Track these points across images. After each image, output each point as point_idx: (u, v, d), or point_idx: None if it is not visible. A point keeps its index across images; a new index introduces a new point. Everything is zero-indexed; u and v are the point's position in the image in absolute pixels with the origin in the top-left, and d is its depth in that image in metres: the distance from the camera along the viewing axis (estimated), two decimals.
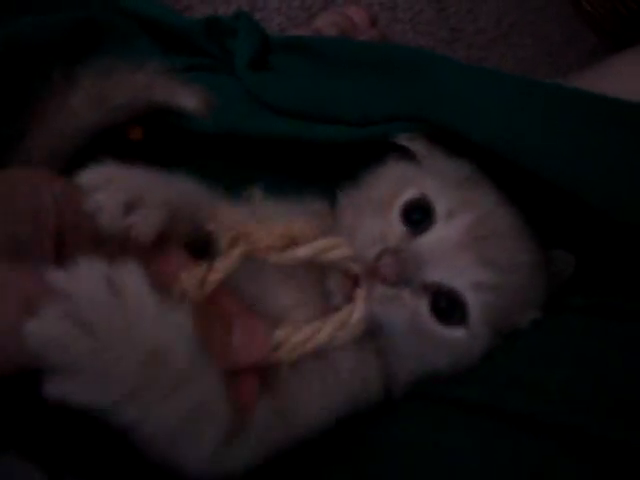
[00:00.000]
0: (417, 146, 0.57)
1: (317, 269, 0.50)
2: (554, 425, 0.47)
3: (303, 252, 0.48)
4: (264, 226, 0.48)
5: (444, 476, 0.47)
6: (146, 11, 0.77)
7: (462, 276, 0.49)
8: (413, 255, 0.48)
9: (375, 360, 0.51)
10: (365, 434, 0.51)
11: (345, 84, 0.68)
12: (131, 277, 0.37)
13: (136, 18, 0.76)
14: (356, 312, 0.48)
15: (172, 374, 0.37)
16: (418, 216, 0.51)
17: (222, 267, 0.45)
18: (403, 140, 0.58)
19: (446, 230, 0.49)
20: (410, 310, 0.49)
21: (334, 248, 0.49)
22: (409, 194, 0.52)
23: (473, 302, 0.49)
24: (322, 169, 0.64)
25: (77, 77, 0.64)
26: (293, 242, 0.48)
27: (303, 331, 0.46)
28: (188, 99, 0.66)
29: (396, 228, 0.51)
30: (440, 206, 0.51)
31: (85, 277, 0.36)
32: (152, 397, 0.37)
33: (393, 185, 0.54)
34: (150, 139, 0.67)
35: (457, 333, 0.50)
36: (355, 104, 0.65)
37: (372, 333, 0.50)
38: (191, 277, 0.43)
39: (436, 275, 0.49)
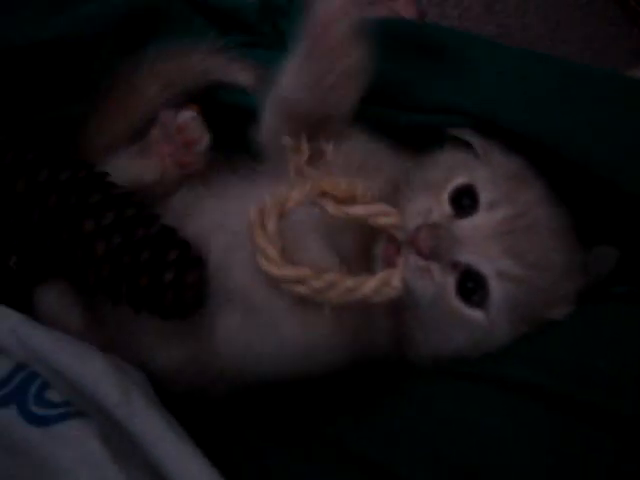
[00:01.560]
0: (475, 140, 0.59)
1: (366, 233, 0.54)
2: (593, 408, 0.48)
3: (357, 210, 0.52)
4: (331, 177, 0.52)
5: (482, 452, 0.49)
6: None
7: (490, 263, 0.51)
8: (450, 234, 0.51)
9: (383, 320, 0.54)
10: (401, 409, 0.54)
11: (407, 71, 0.68)
12: None
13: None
14: (396, 276, 0.51)
15: None
16: (466, 202, 0.54)
17: (296, 196, 0.51)
18: (465, 134, 0.60)
19: (485, 219, 0.52)
20: (437, 284, 0.52)
21: (385, 215, 0.53)
22: (460, 180, 0.55)
23: (496, 289, 0.51)
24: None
25: (142, 63, 0.68)
26: (353, 200, 0.52)
27: (353, 279, 0.50)
28: (242, 75, 0.70)
29: (443, 207, 0.54)
30: (484, 196, 0.53)
31: None
32: None
33: (447, 170, 0.56)
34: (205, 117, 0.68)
35: (476, 314, 0.52)
36: (414, 92, 0.66)
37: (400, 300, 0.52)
38: (272, 201, 0.50)
39: (467, 257, 0.51)
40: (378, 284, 0.50)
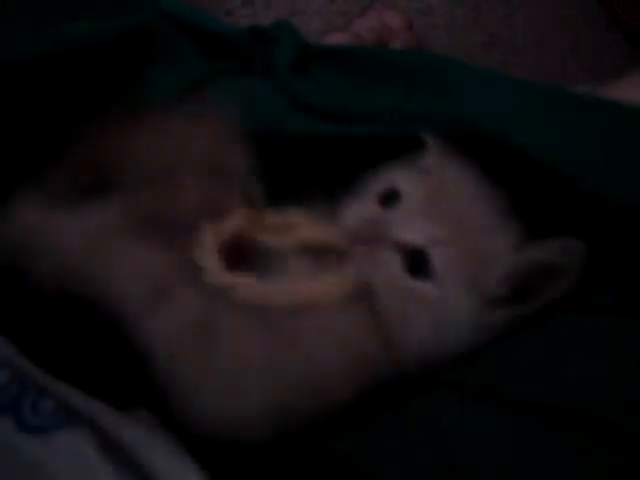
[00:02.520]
0: (431, 145, 0.64)
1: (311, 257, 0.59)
2: (578, 417, 0.50)
3: (295, 235, 0.58)
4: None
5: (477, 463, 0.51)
6: (188, 17, 0.79)
7: (422, 233, 0.56)
8: (383, 221, 0.57)
9: (367, 317, 0.56)
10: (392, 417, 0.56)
11: (380, 91, 0.72)
12: None
13: (176, 23, 0.78)
14: (346, 273, 0.56)
15: None
16: (392, 201, 0.59)
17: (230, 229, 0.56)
18: (426, 137, 0.64)
19: (410, 199, 0.58)
20: (385, 269, 0.56)
21: (323, 233, 0.59)
22: (380, 186, 0.61)
23: (434, 256, 0.55)
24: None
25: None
26: (291, 228, 0.58)
27: (300, 281, 0.55)
28: None
29: (372, 208, 0.60)
30: (406, 187, 0.59)
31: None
32: None
33: (376, 180, 0.62)
34: None
35: (426, 287, 0.56)
36: (389, 110, 0.71)
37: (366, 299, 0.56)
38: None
39: (402, 235, 0.56)
40: (330, 282, 0.55)
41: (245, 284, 0.53)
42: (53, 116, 0.63)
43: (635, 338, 0.55)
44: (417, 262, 0.56)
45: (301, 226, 0.59)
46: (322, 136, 0.70)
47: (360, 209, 0.60)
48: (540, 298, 0.56)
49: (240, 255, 0.57)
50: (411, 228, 0.56)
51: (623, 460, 0.49)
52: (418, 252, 0.56)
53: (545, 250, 0.55)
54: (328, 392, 0.54)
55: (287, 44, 0.77)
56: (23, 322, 0.54)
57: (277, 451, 0.55)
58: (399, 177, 0.60)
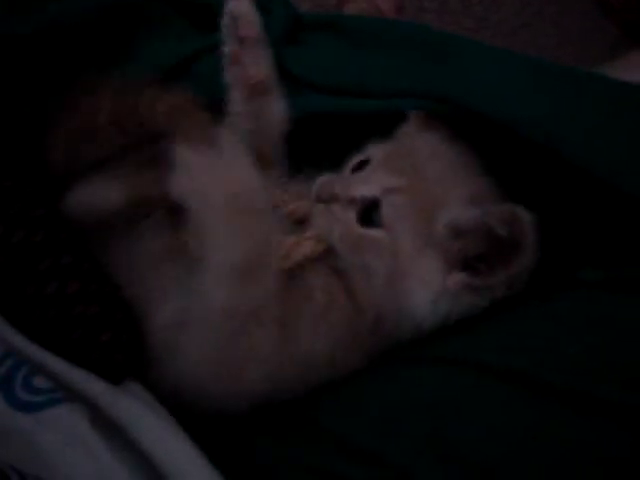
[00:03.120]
0: (415, 119, 0.65)
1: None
2: (572, 394, 0.50)
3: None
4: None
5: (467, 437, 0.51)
6: None
7: (376, 185, 0.58)
8: (343, 180, 0.61)
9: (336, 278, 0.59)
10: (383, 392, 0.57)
11: (373, 61, 0.71)
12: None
13: None
14: (308, 231, 0.60)
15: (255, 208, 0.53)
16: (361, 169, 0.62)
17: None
18: (411, 113, 0.66)
19: (372, 163, 0.61)
20: (342, 222, 0.59)
21: (302, 207, 0.62)
22: (355, 160, 0.64)
23: (385, 204, 0.58)
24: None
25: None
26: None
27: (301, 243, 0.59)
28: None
29: (339, 175, 0.64)
30: (373, 154, 0.62)
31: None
32: (238, 219, 0.52)
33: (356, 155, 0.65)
34: None
35: (378, 233, 0.58)
36: (381, 80, 0.69)
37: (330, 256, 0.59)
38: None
39: (358, 190, 0.59)
40: (293, 240, 0.58)
41: None
42: (43, 88, 0.62)
43: (626, 315, 0.54)
44: (370, 211, 0.58)
45: (284, 203, 0.62)
46: (316, 111, 0.69)
47: (328, 176, 0.63)
48: (498, 270, 0.54)
49: None
50: (366, 183, 0.59)
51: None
52: (371, 203, 0.58)
53: (492, 214, 0.53)
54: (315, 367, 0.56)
55: (279, 14, 0.75)
56: (19, 296, 0.53)
57: (263, 424, 0.56)
58: (371, 147, 0.64)
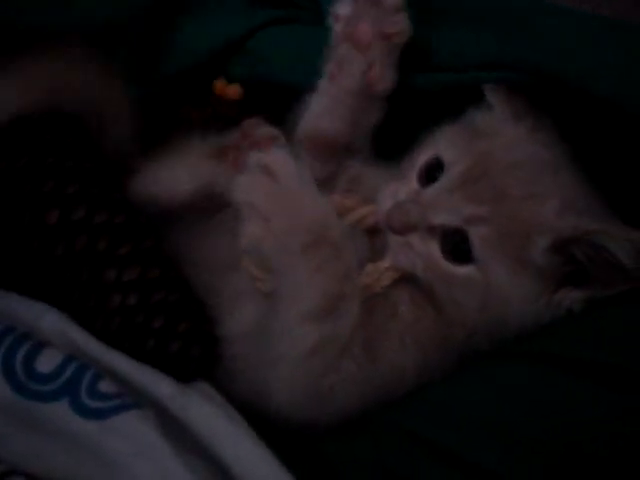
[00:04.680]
0: (494, 96, 0.59)
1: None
2: None
3: (348, 220, 0.57)
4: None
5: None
6: None
7: (457, 214, 0.52)
8: (416, 205, 0.53)
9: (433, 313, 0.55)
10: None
11: (443, 31, 0.65)
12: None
13: None
14: (385, 261, 0.55)
15: (330, 244, 0.50)
16: (438, 173, 0.55)
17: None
18: (486, 89, 0.60)
19: (444, 179, 0.54)
20: (423, 254, 0.53)
21: (369, 215, 0.57)
22: (423, 157, 0.57)
23: (473, 235, 0.52)
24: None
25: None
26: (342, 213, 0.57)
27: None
28: None
29: (410, 186, 0.56)
30: (447, 159, 0.55)
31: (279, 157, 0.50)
32: (317, 259, 0.49)
33: (414, 154, 0.58)
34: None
35: (467, 270, 0.52)
36: (453, 50, 0.63)
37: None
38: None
39: (437, 218, 0.53)
40: (371, 271, 0.54)
41: None
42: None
43: None
44: (456, 244, 0.53)
45: (349, 208, 0.58)
46: None
47: (397, 190, 0.56)
48: (614, 285, 0.51)
49: None
50: (446, 209, 0.53)
51: None
52: (455, 233, 0.52)
53: (613, 238, 0.49)
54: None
55: None
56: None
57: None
58: (443, 145, 0.57)
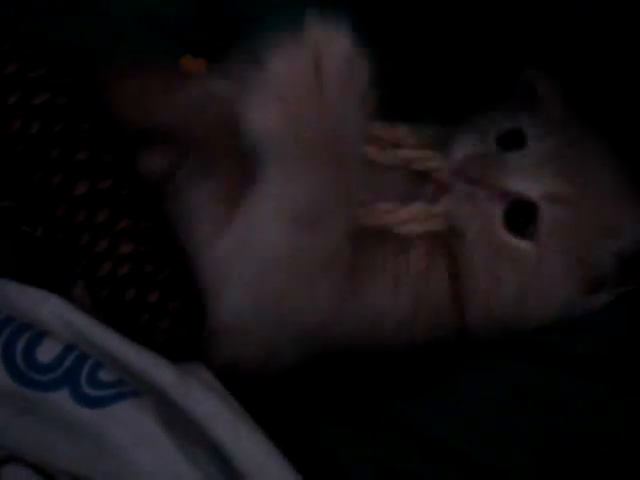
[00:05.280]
0: (540, 83, 0.58)
1: (412, 180, 0.55)
2: None
3: (401, 154, 0.54)
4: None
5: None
6: None
7: (539, 186, 0.50)
8: (498, 162, 0.51)
9: (447, 282, 0.53)
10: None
11: None
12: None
13: None
14: (440, 204, 0.52)
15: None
16: (514, 142, 0.53)
17: None
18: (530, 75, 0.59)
19: (534, 148, 0.51)
20: (484, 212, 0.51)
21: (429, 159, 0.53)
22: (507, 125, 0.54)
23: (545, 213, 0.49)
24: None
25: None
26: (397, 144, 0.54)
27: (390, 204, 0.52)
28: None
29: (490, 145, 0.53)
30: (532, 133, 0.52)
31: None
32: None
33: (495, 116, 0.56)
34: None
35: (524, 244, 0.50)
36: None
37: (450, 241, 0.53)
38: None
39: (516, 185, 0.50)
40: (418, 211, 0.51)
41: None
42: None
43: None
44: (521, 217, 0.50)
45: (407, 145, 0.54)
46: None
47: (476, 145, 0.53)
48: None
49: None
50: (528, 178, 0.50)
51: None
52: (528, 207, 0.50)
53: None
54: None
55: None
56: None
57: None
58: (526, 119, 0.54)
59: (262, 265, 0.47)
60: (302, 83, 0.41)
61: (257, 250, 0.47)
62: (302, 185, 0.44)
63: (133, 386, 0.49)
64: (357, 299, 0.50)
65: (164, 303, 0.50)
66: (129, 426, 0.47)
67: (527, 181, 0.50)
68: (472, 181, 0.50)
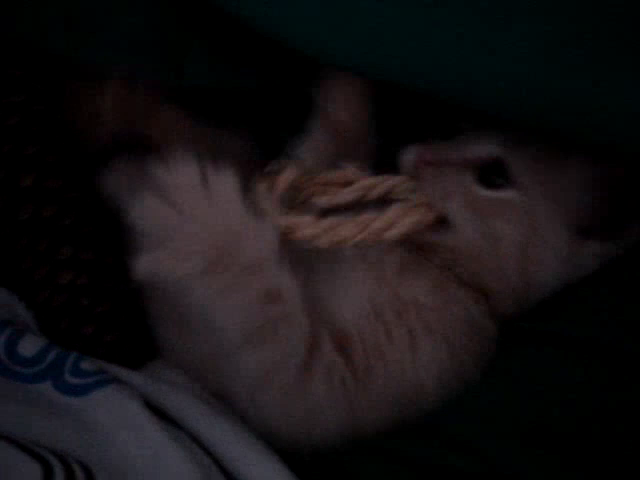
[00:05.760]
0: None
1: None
2: None
3: (357, 186, 0.51)
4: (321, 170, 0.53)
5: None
6: None
7: (491, 145, 0.51)
8: (449, 144, 0.52)
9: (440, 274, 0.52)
10: None
11: None
12: (224, 178, 0.43)
13: None
14: (417, 198, 0.51)
15: (244, 261, 0.43)
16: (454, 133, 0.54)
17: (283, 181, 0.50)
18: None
19: (474, 131, 0.53)
20: (459, 186, 0.51)
21: (385, 180, 0.52)
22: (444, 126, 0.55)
23: (513, 161, 0.50)
24: None
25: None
26: (348, 183, 0.52)
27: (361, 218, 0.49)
28: None
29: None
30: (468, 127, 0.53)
31: (182, 169, 0.43)
32: (221, 281, 0.42)
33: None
34: None
35: (508, 193, 0.50)
36: None
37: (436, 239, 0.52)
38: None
39: (472, 152, 0.51)
40: (391, 216, 0.49)
41: (305, 222, 0.48)
42: None
43: None
44: (494, 174, 0.50)
45: (359, 178, 0.53)
46: None
47: (423, 144, 0.53)
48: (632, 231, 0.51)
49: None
50: (481, 142, 0.51)
51: None
52: (493, 164, 0.50)
53: None
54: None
55: None
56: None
57: None
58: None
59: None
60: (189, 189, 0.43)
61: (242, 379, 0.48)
62: (225, 311, 0.44)
63: (114, 373, 0.50)
64: (368, 384, 0.49)
65: (99, 336, 0.52)
66: (113, 410, 0.47)
67: (481, 145, 0.51)
68: (436, 164, 0.51)
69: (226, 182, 0.43)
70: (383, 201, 0.51)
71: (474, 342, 0.51)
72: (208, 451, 0.47)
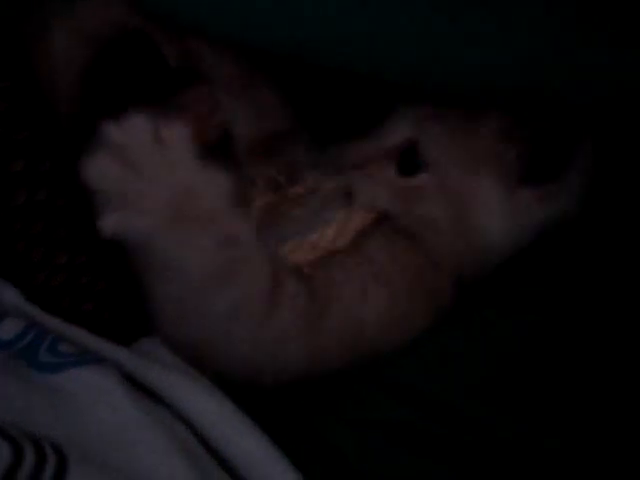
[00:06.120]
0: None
1: None
2: None
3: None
4: None
5: None
6: None
7: (406, 128, 0.53)
8: (360, 144, 0.55)
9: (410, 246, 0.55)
10: None
11: None
12: (177, 133, 0.46)
13: None
14: (357, 199, 0.55)
15: (200, 212, 0.46)
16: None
17: None
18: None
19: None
20: (385, 181, 0.54)
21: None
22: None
23: (423, 139, 0.53)
24: None
25: None
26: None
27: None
28: None
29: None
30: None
31: (133, 128, 0.45)
32: (180, 233, 0.46)
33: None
34: None
35: (420, 178, 0.53)
36: None
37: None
38: None
39: (387, 141, 0.54)
40: (334, 230, 0.53)
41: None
42: None
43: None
44: (410, 159, 0.53)
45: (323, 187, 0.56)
46: None
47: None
48: (567, 171, 0.53)
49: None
50: (397, 126, 0.54)
51: None
52: (407, 149, 0.53)
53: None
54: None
55: None
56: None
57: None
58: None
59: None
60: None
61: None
62: (190, 259, 0.47)
63: (94, 355, 0.50)
64: (326, 317, 0.52)
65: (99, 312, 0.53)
66: (89, 386, 0.47)
67: (397, 129, 0.53)
68: (362, 165, 0.54)
69: (179, 138, 0.46)
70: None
71: (420, 293, 0.54)
72: (193, 428, 0.47)
